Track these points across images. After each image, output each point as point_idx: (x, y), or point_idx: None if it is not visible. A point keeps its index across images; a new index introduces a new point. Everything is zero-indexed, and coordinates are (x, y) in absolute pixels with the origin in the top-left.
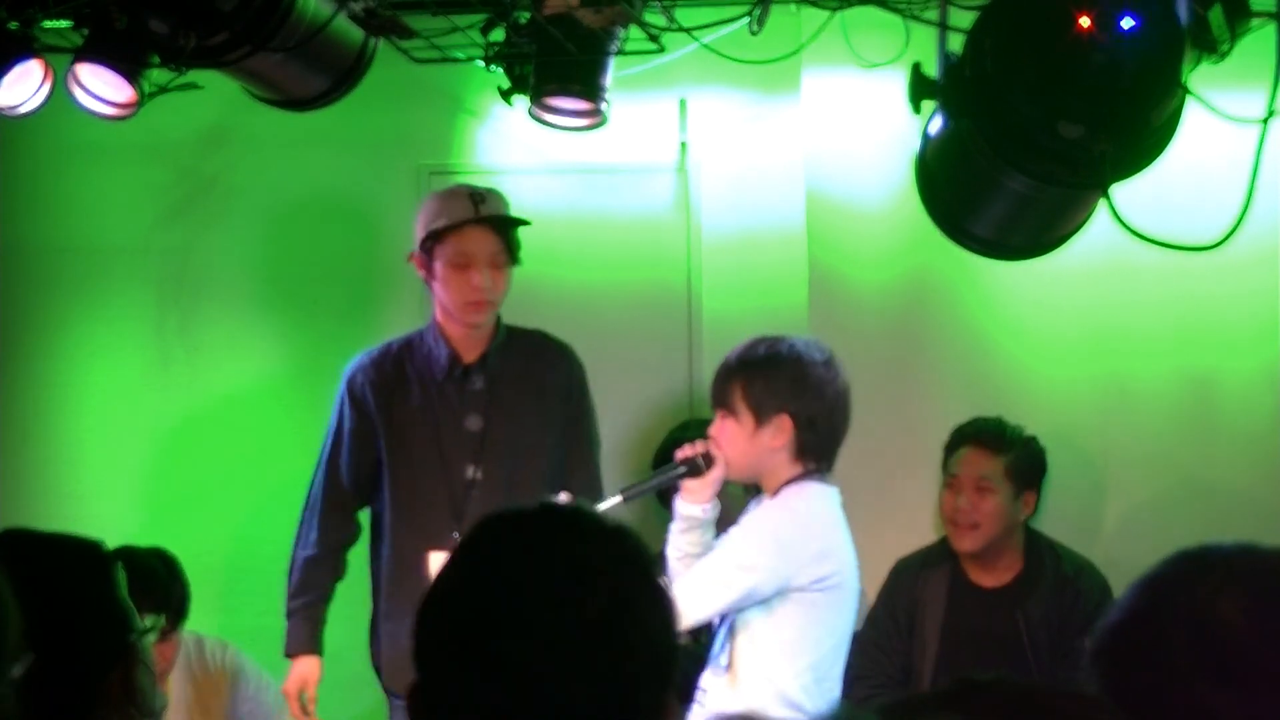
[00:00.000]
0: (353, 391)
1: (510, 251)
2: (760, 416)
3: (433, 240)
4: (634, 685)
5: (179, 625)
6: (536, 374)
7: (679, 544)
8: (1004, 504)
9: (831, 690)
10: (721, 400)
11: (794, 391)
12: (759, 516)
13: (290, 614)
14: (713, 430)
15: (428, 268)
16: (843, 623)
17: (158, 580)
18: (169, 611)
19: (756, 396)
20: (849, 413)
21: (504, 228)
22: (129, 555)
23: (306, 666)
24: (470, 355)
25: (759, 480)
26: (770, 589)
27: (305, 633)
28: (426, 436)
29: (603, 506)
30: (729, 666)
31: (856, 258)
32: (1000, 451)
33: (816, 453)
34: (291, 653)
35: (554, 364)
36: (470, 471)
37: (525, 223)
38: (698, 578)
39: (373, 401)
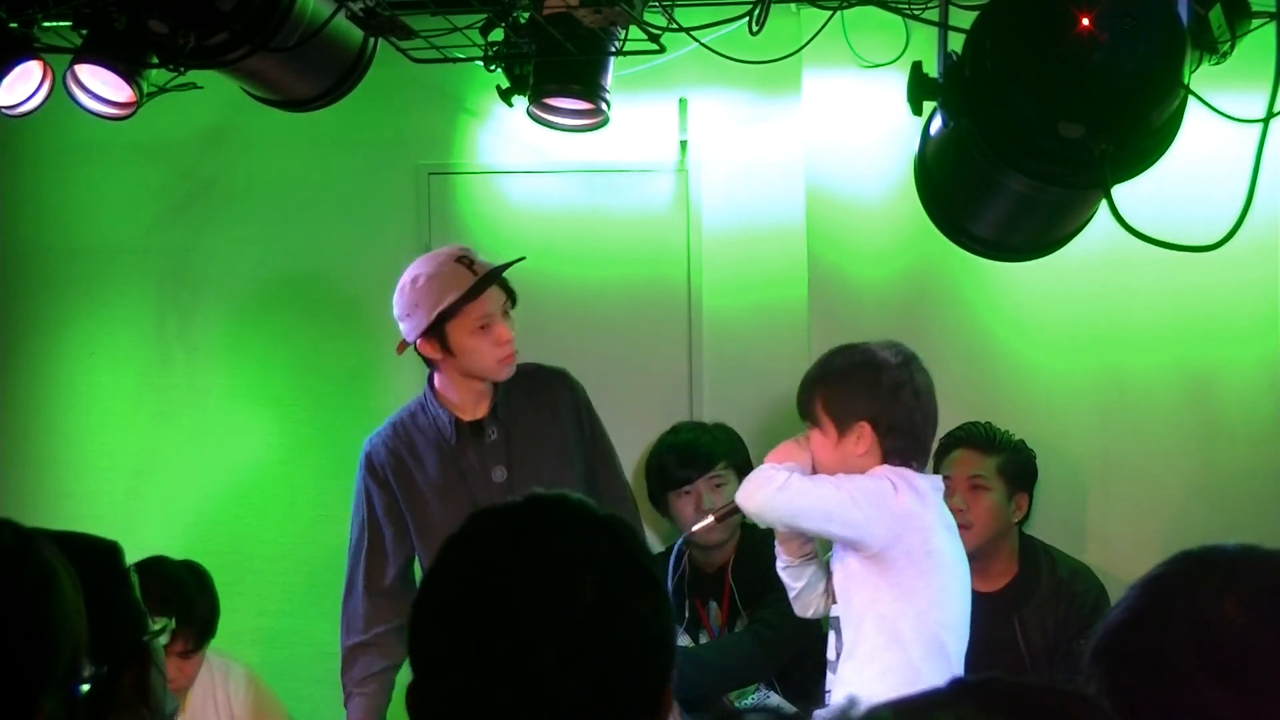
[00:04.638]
0: (374, 472)
1: (511, 297)
2: (840, 427)
3: (446, 318)
4: (626, 675)
5: (203, 643)
6: (545, 408)
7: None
8: (998, 503)
9: (950, 668)
10: (806, 413)
11: (869, 399)
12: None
13: (351, 695)
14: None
15: (442, 349)
16: (942, 594)
17: (185, 593)
18: (192, 628)
19: (835, 407)
20: (932, 410)
21: (501, 277)
22: (159, 565)
23: None
24: (475, 413)
25: None
26: (854, 522)
27: (354, 707)
28: (457, 500)
29: (697, 528)
30: (840, 657)
31: (856, 254)
32: (991, 451)
33: (903, 455)
34: None
35: (556, 393)
36: None
37: (521, 259)
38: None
39: (394, 478)
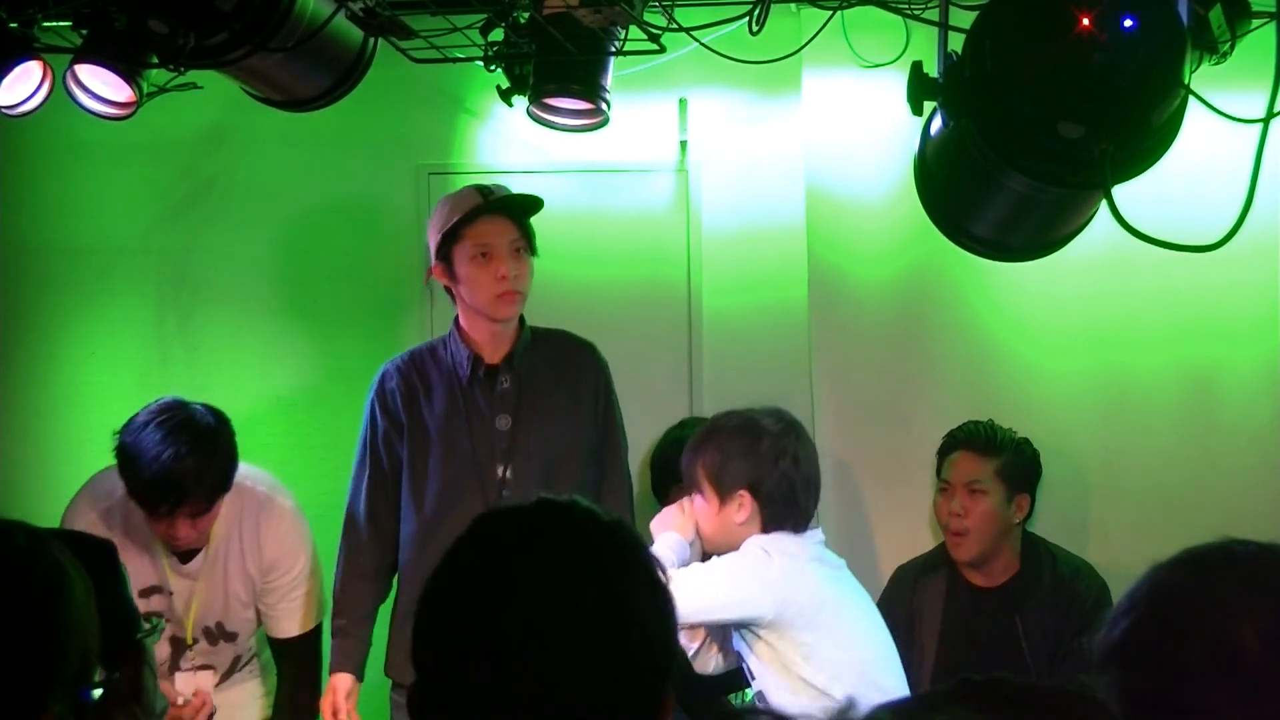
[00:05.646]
0: (382, 398)
1: (528, 239)
2: (721, 494)
3: (450, 240)
4: (631, 679)
5: (214, 503)
6: (566, 372)
7: None
8: (996, 507)
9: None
10: (689, 478)
11: (747, 466)
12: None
13: (338, 631)
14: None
15: (449, 273)
16: (850, 636)
17: (203, 448)
18: (202, 488)
19: (715, 474)
20: (814, 478)
21: (518, 215)
22: (181, 407)
23: (344, 683)
24: (494, 356)
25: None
26: (736, 604)
27: (353, 652)
28: (458, 439)
29: None
30: None
31: (856, 254)
32: (991, 454)
33: (782, 522)
34: (336, 669)
35: (581, 362)
36: (501, 471)
37: (538, 202)
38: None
39: (401, 404)
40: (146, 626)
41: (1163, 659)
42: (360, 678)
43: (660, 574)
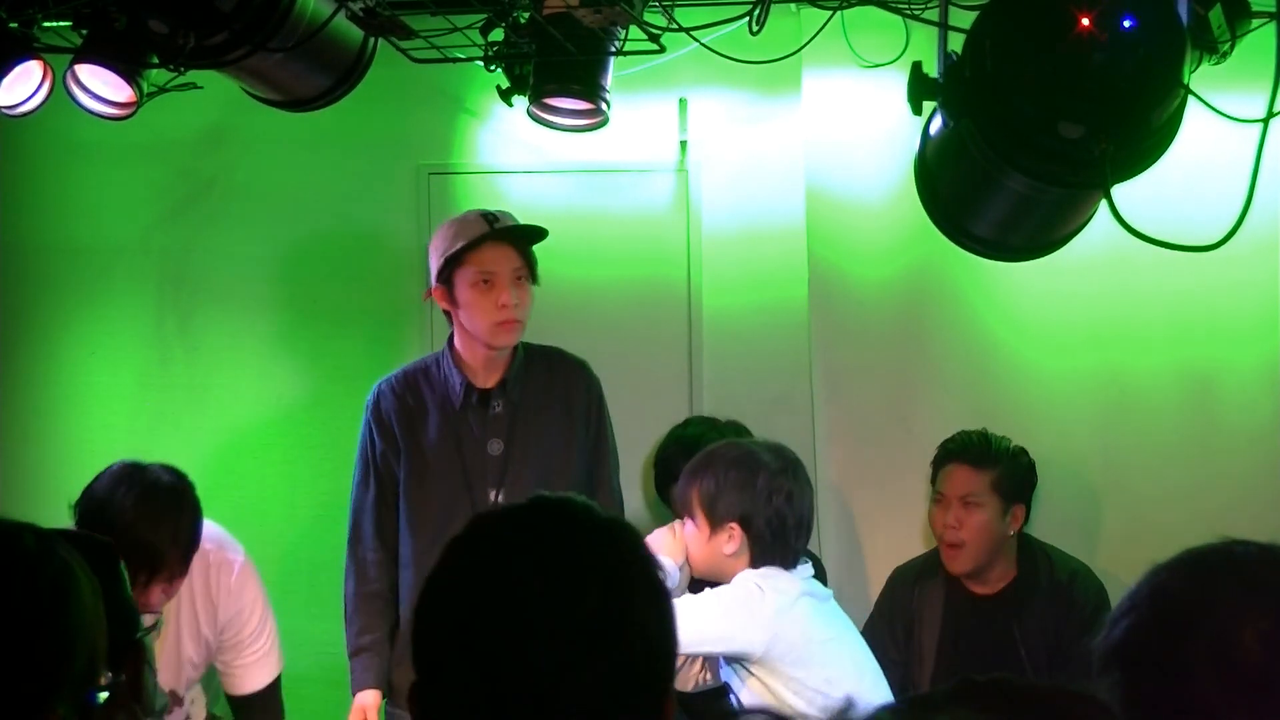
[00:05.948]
0: (379, 416)
1: (530, 268)
2: (712, 523)
3: (452, 265)
4: (630, 680)
5: (191, 557)
6: (558, 394)
7: None
8: (991, 520)
9: None
10: (682, 503)
11: (741, 500)
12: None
13: (360, 650)
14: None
15: (449, 297)
16: (838, 666)
17: (164, 530)
18: (163, 570)
19: (708, 504)
20: (805, 517)
21: (522, 243)
22: (141, 470)
23: (369, 698)
24: (487, 380)
25: (722, 581)
26: (728, 637)
27: (377, 668)
28: (450, 463)
29: None
30: None
31: (856, 254)
32: (986, 467)
33: (769, 558)
34: (360, 689)
35: (574, 383)
36: (494, 496)
37: (543, 232)
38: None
39: (397, 426)
40: (147, 624)
41: (1163, 660)
42: (384, 691)
43: (660, 573)
